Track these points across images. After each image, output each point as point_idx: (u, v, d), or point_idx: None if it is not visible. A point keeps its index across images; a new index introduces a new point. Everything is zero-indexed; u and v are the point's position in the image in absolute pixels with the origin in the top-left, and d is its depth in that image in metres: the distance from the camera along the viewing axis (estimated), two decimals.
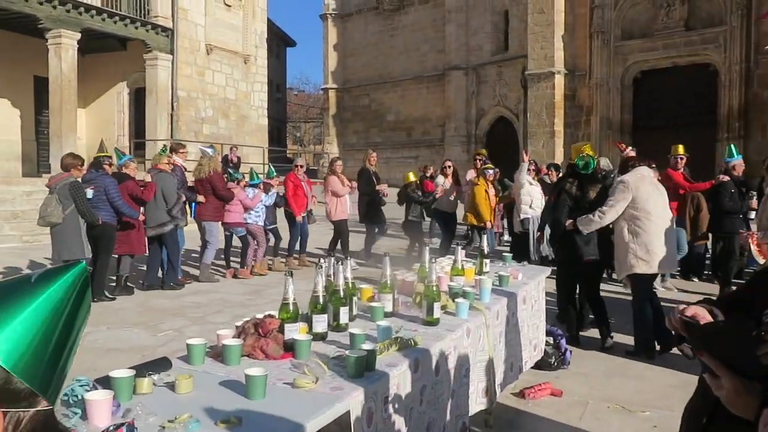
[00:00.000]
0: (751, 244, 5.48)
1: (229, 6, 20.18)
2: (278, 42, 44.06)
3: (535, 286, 4.69)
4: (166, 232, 8.07)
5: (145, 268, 8.50)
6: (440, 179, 10.17)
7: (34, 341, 0.75)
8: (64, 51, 15.63)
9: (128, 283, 7.97)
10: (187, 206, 8.77)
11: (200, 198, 8.60)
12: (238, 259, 9.35)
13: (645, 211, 5.18)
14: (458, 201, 10.19)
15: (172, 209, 8.07)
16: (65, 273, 0.81)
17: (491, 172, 9.41)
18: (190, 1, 18.73)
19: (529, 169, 9.25)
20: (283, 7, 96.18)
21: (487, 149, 26.18)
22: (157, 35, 17.93)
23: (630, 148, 8.78)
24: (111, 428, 1.70)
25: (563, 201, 5.72)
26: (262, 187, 9.41)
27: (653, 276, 5.51)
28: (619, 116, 21.60)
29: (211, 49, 19.48)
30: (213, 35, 19.51)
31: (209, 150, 9.18)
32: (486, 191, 9.09)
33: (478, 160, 9.86)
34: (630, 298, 5.71)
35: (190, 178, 9.19)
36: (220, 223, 8.91)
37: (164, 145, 8.97)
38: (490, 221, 9.28)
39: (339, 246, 9.85)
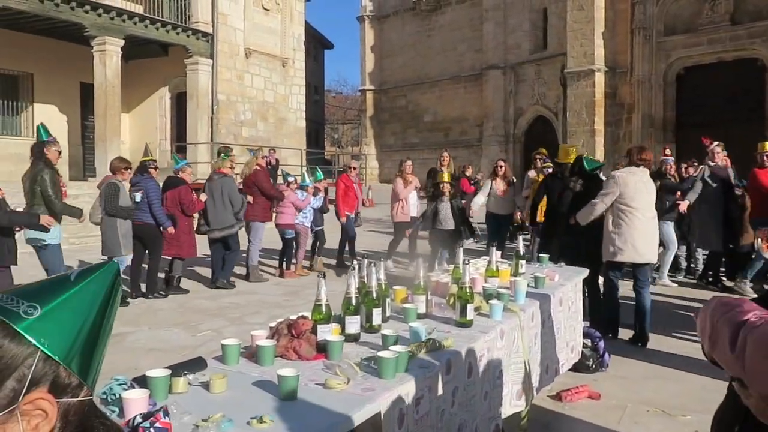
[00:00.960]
0: (759, 239, 5.65)
1: (268, 10, 20.44)
2: (316, 45, 44.42)
3: (571, 288, 4.63)
4: (233, 233, 8.33)
5: (194, 269, 8.74)
6: (487, 182, 9.73)
7: (77, 334, 0.81)
8: (108, 58, 16.06)
9: (181, 285, 8.16)
10: None
11: (249, 198, 8.75)
12: (283, 260, 9.63)
13: (629, 206, 5.56)
14: (514, 202, 9.65)
15: (239, 212, 8.32)
16: (99, 270, 0.87)
17: (550, 170, 9.26)
18: (230, 7, 19.04)
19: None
20: (320, 10, 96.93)
21: (525, 149, 25.91)
22: (198, 40, 18.27)
23: (716, 143, 8.42)
24: (137, 417, 1.75)
25: (567, 198, 6.21)
26: (310, 189, 9.62)
27: (625, 265, 5.86)
28: (662, 113, 21.16)
29: (250, 53, 19.75)
30: (252, 39, 19.78)
31: (251, 153, 9.46)
32: None
33: (538, 159, 9.66)
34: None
35: (238, 181, 9.41)
36: (266, 224, 9.09)
37: (225, 149, 9.13)
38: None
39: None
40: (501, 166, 9.71)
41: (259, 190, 8.77)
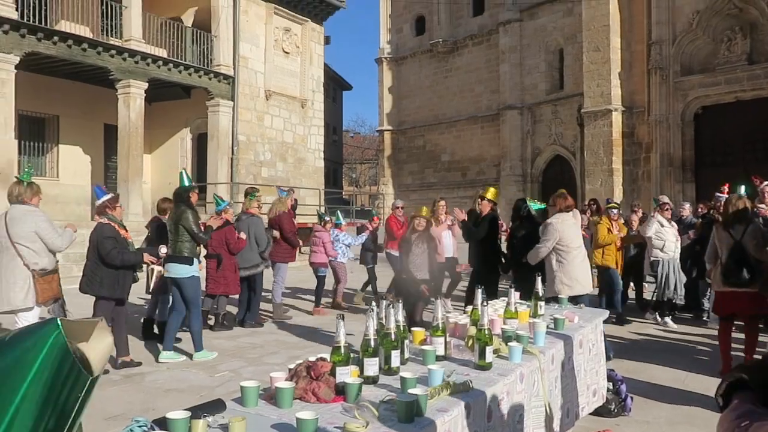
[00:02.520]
0: None
1: (288, 53, 20.86)
2: (335, 86, 45.18)
3: (592, 330, 4.57)
4: (258, 273, 8.50)
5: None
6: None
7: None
8: (132, 100, 16.45)
9: (225, 321, 8.39)
10: None
11: (275, 233, 8.93)
12: (327, 298, 10.07)
13: (567, 246, 6.19)
14: None
15: (264, 251, 8.50)
16: (35, 333, 0.72)
17: (615, 211, 9.23)
18: (251, 50, 19.47)
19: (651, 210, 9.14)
20: (339, 52, 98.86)
21: (543, 188, 25.83)
22: (219, 83, 18.67)
23: (766, 183, 8.21)
24: None
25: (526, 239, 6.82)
26: (344, 227, 10.06)
27: (575, 298, 6.12)
28: (680, 153, 21.09)
29: (270, 94, 20.11)
30: (272, 81, 20.17)
31: (283, 193, 9.80)
32: (609, 229, 8.92)
33: (592, 205, 9.59)
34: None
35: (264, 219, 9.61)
36: (288, 264, 9.28)
37: (253, 190, 9.28)
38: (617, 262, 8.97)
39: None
40: None
41: (280, 231, 8.90)
